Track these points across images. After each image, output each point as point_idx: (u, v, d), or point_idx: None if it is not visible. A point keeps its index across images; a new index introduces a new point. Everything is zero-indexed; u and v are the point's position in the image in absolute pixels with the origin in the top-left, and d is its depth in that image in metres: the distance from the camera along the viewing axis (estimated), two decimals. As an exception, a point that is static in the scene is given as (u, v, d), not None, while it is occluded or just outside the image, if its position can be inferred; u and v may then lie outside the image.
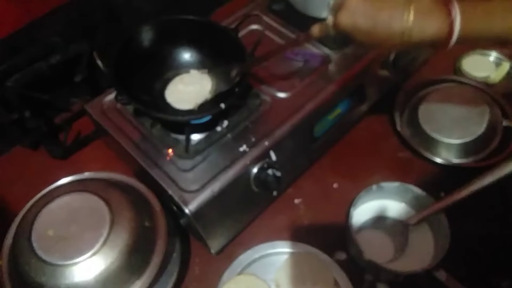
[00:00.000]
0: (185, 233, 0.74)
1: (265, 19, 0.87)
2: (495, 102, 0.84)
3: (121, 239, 0.54)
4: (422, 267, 0.64)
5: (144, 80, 0.71)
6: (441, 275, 0.64)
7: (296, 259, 0.71)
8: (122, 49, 0.67)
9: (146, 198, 0.62)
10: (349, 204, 0.73)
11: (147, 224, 0.59)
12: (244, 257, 0.71)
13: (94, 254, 0.52)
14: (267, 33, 0.85)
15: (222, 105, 0.63)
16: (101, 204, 0.56)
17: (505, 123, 0.81)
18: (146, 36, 0.70)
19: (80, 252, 0.52)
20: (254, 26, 0.86)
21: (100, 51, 0.78)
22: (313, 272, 0.69)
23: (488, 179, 0.68)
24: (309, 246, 0.72)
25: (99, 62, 0.76)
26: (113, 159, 0.83)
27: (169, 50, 0.73)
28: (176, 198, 0.62)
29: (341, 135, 0.85)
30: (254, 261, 0.71)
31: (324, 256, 0.70)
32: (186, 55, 0.74)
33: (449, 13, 0.48)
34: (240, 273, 0.69)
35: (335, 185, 0.81)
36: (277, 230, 0.76)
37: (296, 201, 0.79)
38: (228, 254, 0.73)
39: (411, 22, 0.49)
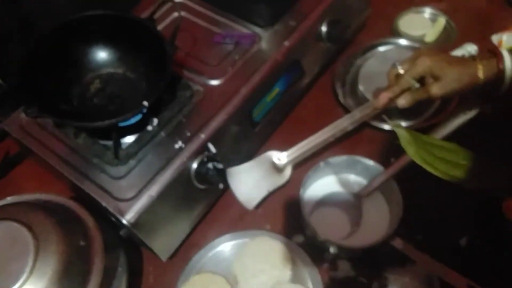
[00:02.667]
0: (134, 242, 0.69)
1: (188, 4, 0.82)
2: (433, 59, 0.82)
3: (50, 265, 0.49)
4: (378, 239, 0.63)
5: (61, 87, 0.65)
6: (398, 243, 0.62)
7: (250, 247, 0.68)
8: (29, 57, 0.61)
9: (78, 216, 0.58)
10: (300, 183, 0.71)
11: (81, 243, 0.54)
12: (197, 258, 0.67)
13: (21, 286, 0.48)
14: (192, 17, 0.80)
15: (145, 103, 0.58)
16: (23, 230, 0.50)
17: (445, 79, 0.80)
18: (55, 39, 0.64)
19: (6, 287, 0.47)
20: (177, 13, 0.81)
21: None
22: (269, 255, 0.66)
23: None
24: (263, 231, 0.70)
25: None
26: (50, 175, 0.77)
27: (83, 51, 0.67)
28: (111, 209, 0.58)
29: (285, 114, 0.82)
30: (209, 259, 0.68)
31: (279, 237, 0.68)
32: (103, 54, 0.68)
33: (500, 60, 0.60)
34: (196, 274, 0.66)
35: (284, 169, 0.78)
36: (231, 223, 0.73)
37: (247, 190, 0.76)
38: (182, 256, 0.69)
39: (482, 75, 0.61)
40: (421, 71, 0.63)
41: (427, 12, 0.96)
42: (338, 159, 0.70)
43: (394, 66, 0.66)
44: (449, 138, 0.68)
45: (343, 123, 0.71)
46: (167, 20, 0.80)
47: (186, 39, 0.77)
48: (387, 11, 0.97)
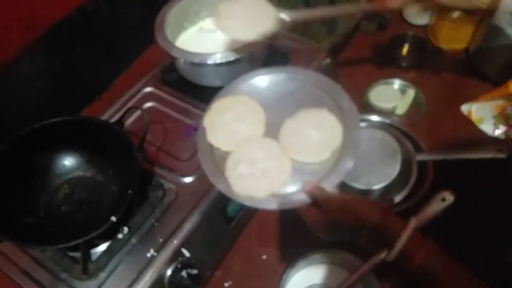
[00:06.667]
0: None
1: (158, 93, 0.81)
2: (405, 136, 0.83)
3: None
4: None
5: (26, 197, 0.63)
6: None
7: None
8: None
9: None
10: (281, 275, 0.69)
11: None
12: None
13: None
14: (162, 108, 0.80)
15: (113, 218, 0.57)
16: None
17: (418, 157, 0.80)
18: (18, 149, 0.62)
19: None
20: (149, 104, 0.81)
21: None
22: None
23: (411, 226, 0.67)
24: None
25: None
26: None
27: (49, 158, 0.66)
28: (78, 336, 0.55)
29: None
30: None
31: None
32: (71, 158, 0.67)
33: None
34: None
35: (264, 257, 0.76)
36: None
37: (226, 284, 0.73)
38: None
39: None
40: None
41: (396, 83, 0.97)
42: (316, 255, 0.69)
43: None
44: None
45: (350, 8, 0.76)
46: (137, 113, 0.79)
47: (157, 131, 0.76)
48: (358, 83, 0.98)
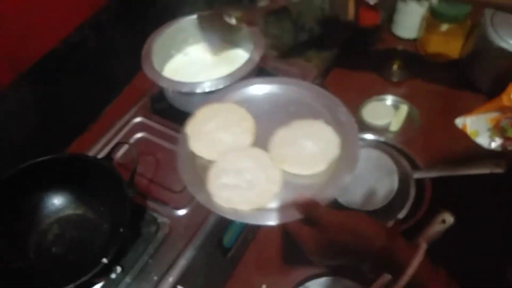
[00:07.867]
0: None
1: (148, 123, 0.80)
2: (401, 154, 0.82)
3: None
4: None
5: (14, 242, 0.61)
6: None
7: None
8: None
9: None
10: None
11: None
12: None
13: None
14: (153, 138, 0.78)
15: (105, 260, 0.55)
16: None
17: (416, 175, 0.79)
18: (2, 192, 0.60)
19: None
20: (139, 134, 0.79)
21: None
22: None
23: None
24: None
25: None
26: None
27: (38, 198, 0.64)
28: None
29: (257, 229, 0.79)
30: None
31: None
32: (60, 197, 0.65)
33: None
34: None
35: (263, 287, 0.74)
36: None
37: (226, 319, 0.71)
38: None
39: None
40: None
41: (389, 99, 0.96)
42: (317, 282, 0.67)
43: None
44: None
45: None
46: (131, 141, 0.77)
47: (148, 163, 0.74)
48: (350, 101, 0.95)
